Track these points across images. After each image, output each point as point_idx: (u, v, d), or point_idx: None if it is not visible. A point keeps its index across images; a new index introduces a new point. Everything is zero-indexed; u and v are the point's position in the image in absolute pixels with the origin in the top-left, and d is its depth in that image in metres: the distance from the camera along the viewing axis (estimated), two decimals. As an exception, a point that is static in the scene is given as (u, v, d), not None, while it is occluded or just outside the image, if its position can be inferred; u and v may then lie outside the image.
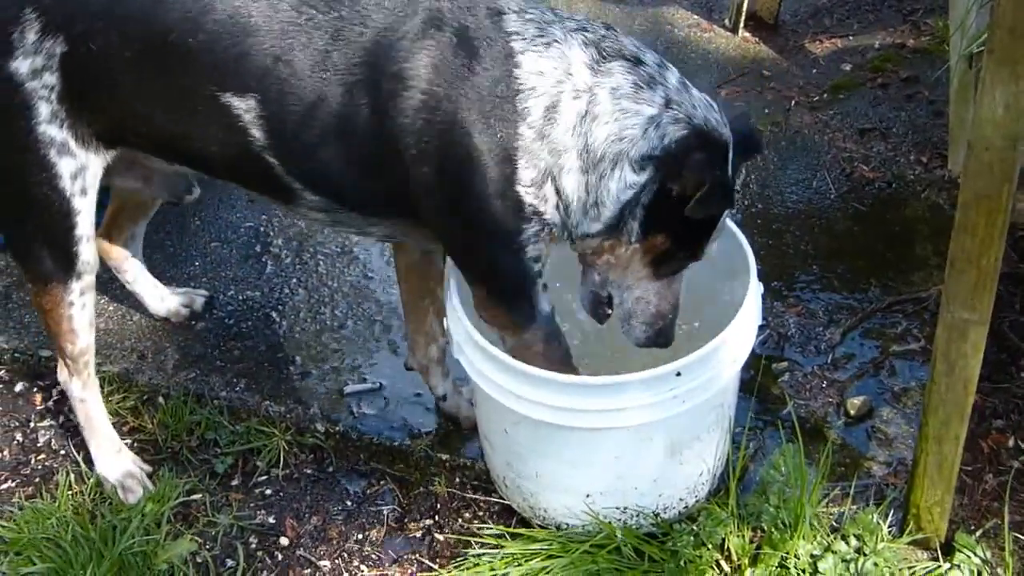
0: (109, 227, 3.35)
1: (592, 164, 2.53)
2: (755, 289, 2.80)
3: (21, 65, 2.63)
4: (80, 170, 2.75)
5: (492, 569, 2.85)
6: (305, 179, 2.68)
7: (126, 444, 3.20)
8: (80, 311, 2.93)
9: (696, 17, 4.76)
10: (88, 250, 2.86)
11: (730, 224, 2.87)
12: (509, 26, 2.53)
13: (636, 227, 2.57)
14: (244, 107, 2.58)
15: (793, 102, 4.30)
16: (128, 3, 2.60)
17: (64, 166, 2.72)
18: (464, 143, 2.50)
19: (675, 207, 2.49)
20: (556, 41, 2.52)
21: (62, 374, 3.09)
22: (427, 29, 2.50)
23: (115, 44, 2.60)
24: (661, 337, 2.76)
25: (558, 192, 2.56)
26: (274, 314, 3.59)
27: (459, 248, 2.70)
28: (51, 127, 2.69)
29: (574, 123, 2.51)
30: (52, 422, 3.36)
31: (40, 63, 2.63)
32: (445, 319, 2.86)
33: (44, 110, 2.67)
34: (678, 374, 2.62)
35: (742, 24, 4.64)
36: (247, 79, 2.56)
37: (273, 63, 2.53)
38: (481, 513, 3.04)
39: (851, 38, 4.61)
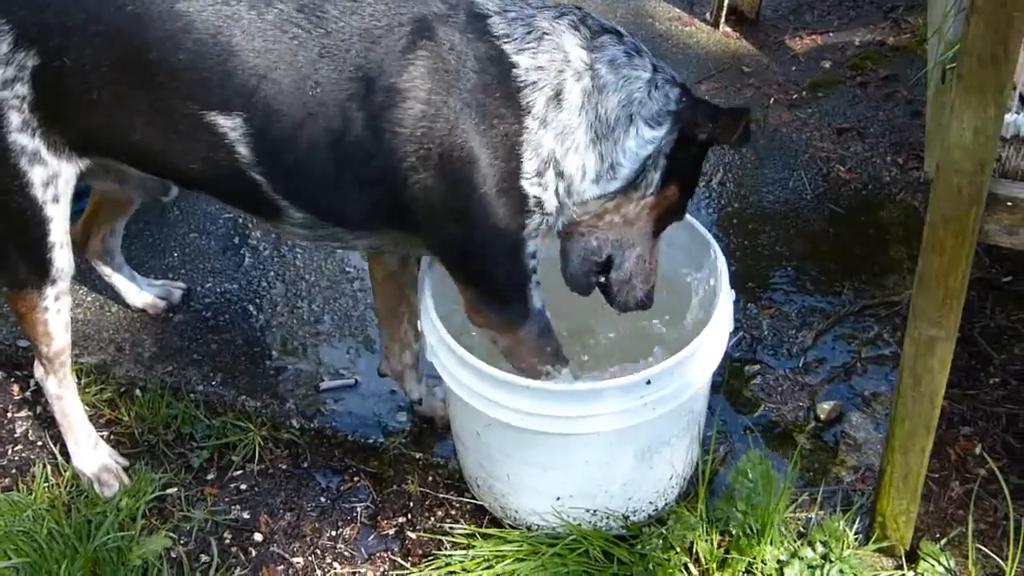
0: (89, 222, 3.35)
1: (607, 131, 2.60)
2: (726, 297, 2.82)
3: None
4: (52, 178, 2.74)
5: (464, 569, 2.87)
6: (292, 196, 2.68)
7: (102, 437, 3.22)
8: (55, 315, 2.94)
9: (677, 10, 4.78)
10: (62, 257, 2.86)
11: (699, 227, 2.99)
12: (496, 29, 2.55)
13: (657, 178, 2.66)
14: (230, 125, 2.57)
15: (772, 100, 4.32)
16: (105, 20, 2.56)
17: (36, 174, 2.72)
18: (467, 146, 2.51)
19: (692, 155, 2.67)
20: (546, 33, 2.56)
21: (38, 371, 3.11)
22: (416, 40, 2.51)
23: (91, 59, 2.58)
24: (648, 298, 2.86)
25: (560, 175, 2.59)
26: (251, 307, 3.60)
27: (456, 251, 2.70)
28: (22, 136, 2.67)
29: (581, 101, 2.57)
30: (29, 412, 3.38)
31: (11, 74, 2.61)
32: (419, 322, 2.88)
33: (15, 119, 2.65)
34: (648, 382, 2.64)
35: (723, 19, 4.65)
36: (232, 97, 2.55)
37: (259, 81, 2.52)
38: (453, 512, 3.06)
39: (831, 35, 4.62)
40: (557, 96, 2.54)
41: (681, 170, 2.68)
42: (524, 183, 2.56)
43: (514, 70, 2.52)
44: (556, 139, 2.56)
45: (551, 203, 2.61)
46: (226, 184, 2.71)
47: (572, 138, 2.57)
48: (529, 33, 2.54)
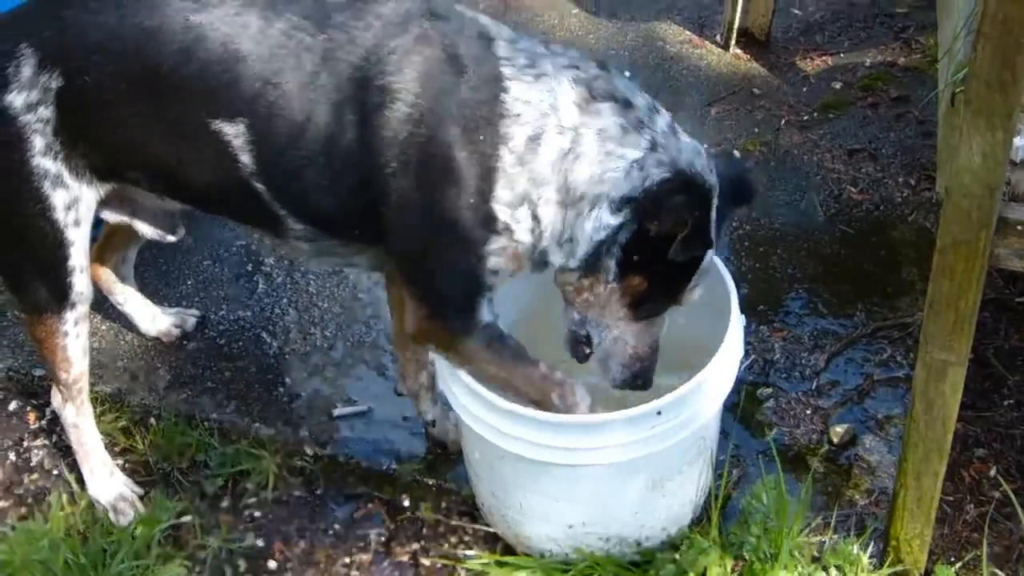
0: (102, 250, 3.36)
1: (572, 201, 2.54)
2: (737, 323, 2.81)
3: (15, 99, 2.63)
4: (74, 202, 2.76)
5: (477, 596, 2.88)
6: (290, 204, 2.68)
7: (118, 465, 3.22)
8: (74, 340, 2.94)
9: (688, 33, 4.76)
10: (82, 281, 2.86)
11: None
12: (499, 51, 2.54)
13: (613, 266, 2.57)
14: (234, 132, 2.59)
15: (783, 121, 4.30)
16: (123, 37, 2.60)
17: (58, 198, 2.73)
18: (445, 156, 2.50)
19: (653, 249, 2.49)
20: (545, 75, 2.53)
21: (56, 400, 3.11)
22: (416, 46, 2.52)
23: (110, 77, 2.61)
24: (639, 380, 2.75)
25: (535, 218, 2.56)
26: (265, 334, 3.60)
27: (416, 259, 2.65)
28: (45, 159, 2.69)
29: (555, 158, 2.51)
30: (45, 441, 3.37)
31: (35, 97, 2.63)
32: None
33: (38, 143, 2.67)
34: (659, 413, 2.63)
35: (733, 40, 4.64)
36: (237, 104, 2.56)
37: (262, 86, 2.54)
38: (467, 539, 3.05)
39: (842, 55, 4.61)
40: (535, 140, 2.50)
41: (644, 262, 2.55)
42: (495, 206, 2.54)
43: (504, 94, 2.50)
44: (530, 183, 2.53)
45: (523, 236, 2.58)
46: (232, 197, 2.71)
47: (545, 190, 2.53)
48: (529, 67, 2.52)
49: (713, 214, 2.55)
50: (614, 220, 2.51)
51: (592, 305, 2.67)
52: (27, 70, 2.62)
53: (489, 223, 2.55)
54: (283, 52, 2.53)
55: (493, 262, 2.60)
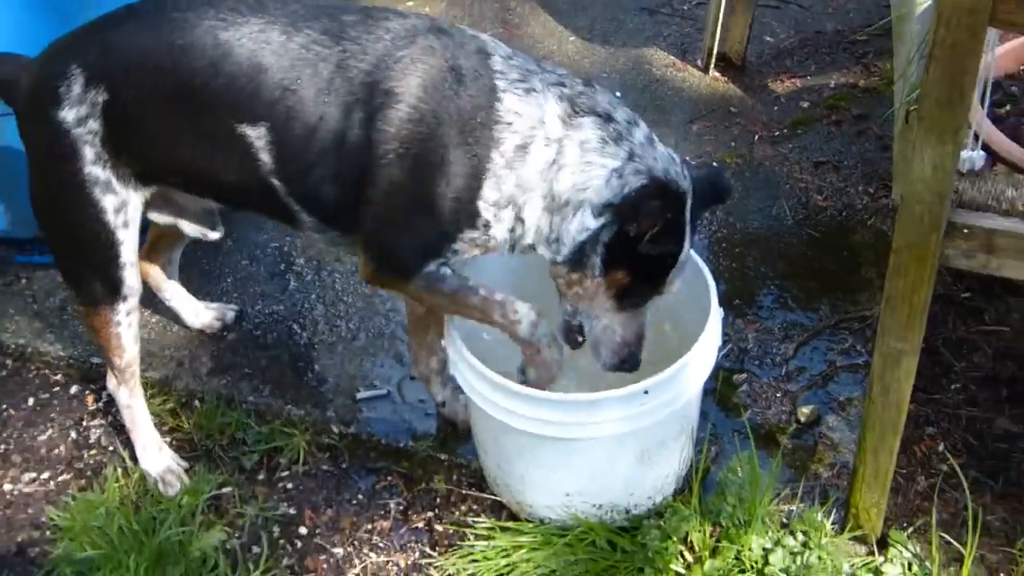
0: (149, 252, 3.36)
1: (556, 207, 2.55)
2: (716, 315, 2.81)
3: (68, 114, 2.66)
4: (122, 205, 2.77)
5: (485, 558, 2.87)
6: (301, 199, 2.68)
7: (165, 442, 3.22)
8: (126, 329, 2.95)
9: (672, 57, 4.75)
10: (132, 276, 2.87)
11: (693, 255, 2.89)
12: (495, 66, 2.55)
13: (598, 263, 2.57)
14: (256, 135, 2.60)
15: (756, 136, 4.30)
16: (159, 55, 2.61)
17: (108, 202, 2.74)
18: (440, 153, 2.51)
19: (633, 247, 2.50)
20: (534, 90, 2.54)
21: (111, 383, 3.12)
22: (421, 55, 2.53)
23: (148, 91, 2.63)
24: (627, 363, 2.73)
25: (519, 219, 2.58)
26: (296, 326, 3.59)
27: (383, 222, 2.62)
28: (95, 168, 2.70)
29: (542, 168, 2.52)
30: (102, 421, 3.37)
31: (85, 111, 2.65)
32: (443, 339, 2.88)
33: (89, 153, 2.69)
34: (646, 392, 2.63)
35: (712, 64, 4.62)
36: (259, 109, 2.57)
37: (282, 93, 2.55)
38: (476, 507, 3.05)
39: (809, 78, 4.60)
40: (524, 148, 2.51)
41: (626, 259, 2.54)
42: (480, 204, 2.55)
43: (498, 104, 2.51)
44: (518, 188, 2.53)
45: (499, 234, 2.59)
46: (254, 194, 2.71)
47: (531, 195, 2.54)
48: (521, 82, 2.53)
49: (687, 215, 2.57)
50: (595, 223, 2.52)
51: (582, 297, 2.67)
52: (77, 88, 2.64)
53: (470, 218, 2.57)
54: (301, 62, 2.55)
55: (458, 246, 2.62)
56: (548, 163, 2.52)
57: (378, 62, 2.53)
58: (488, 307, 2.69)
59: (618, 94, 4.49)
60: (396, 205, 2.58)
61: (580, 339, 2.77)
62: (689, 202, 2.57)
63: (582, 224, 2.53)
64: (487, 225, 2.58)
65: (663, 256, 2.55)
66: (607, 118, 2.53)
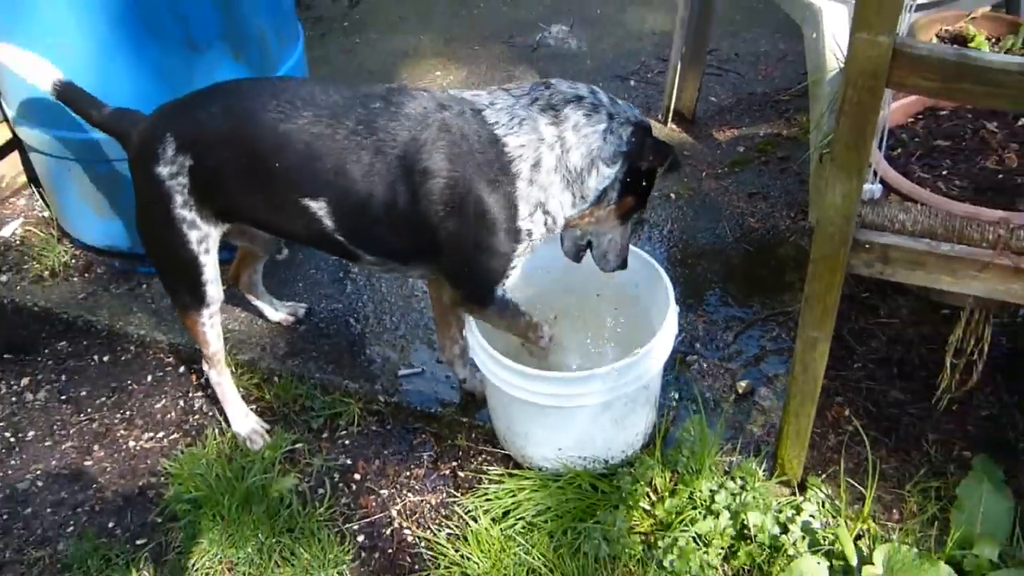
0: (239, 265, 3.35)
1: (576, 177, 2.51)
2: (673, 310, 2.78)
3: (163, 169, 2.61)
4: (204, 237, 2.73)
5: (497, 497, 2.84)
6: (364, 247, 2.66)
7: (251, 409, 3.20)
8: (210, 328, 2.93)
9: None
10: (213, 289, 2.84)
11: (653, 261, 2.91)
12: (489, 119, 2.49)
13: (615, 196, 2.57)
14: (317, 206, 2.55)
15: (704, 173, 4.25)
16: (234, 136, 2.56)
17: (193, 236, 2.70)
18: (480, 202, 2.47)
19: (641, 177, 2.54)
20: (524, 119, 2.48)
21: (205, 365, 3.10)
22: (439, 134, 2.47)
23: (224, 162, 2.58)
24: (624, 263, 2.78)
25: (546, 213, 2.54)
26: (352, 320, 3.56)
27: (462, 267, 2.61)
28: (183, 210, 2.66)
29: (555, 164, 2.48)
30: (203, 394, 3.35)
31: (175, 169, 2.61)
32: (464, 330, 2.85)
33: (179, 199, 2.64)
34: (619, 372, 2.60)
35: (670, 118, 4.59)
36: (318, 187, 2.52)
37: (334, 176, 2.50)
38: (489, 459, 3.02)
39: (744, 128, 4.56)
40: (536, 164, 2.47)
41: (634, 187, 2.57)
42: (520, 223, 2.51)
43: (505, 148, 2.46)
44: (540, 191, 2.50)
45: (539, 232, 2.56)
46: (320, 242, 2.68)
47: (552, 189, 2.50)
48: (512, 119, 2.48)
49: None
50: (611, 170, 2.50)
51: (594, 223, 2.66)
52: (170, 151, 2.59)
53: (517, 235, 2.53)
54: (346, 151, 2.49)
55: (516, 261, 2.59)
56: (559, 157, 2.48)
57: (407, 146, 2.47)
58: (529, 328, 2.76)
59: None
60: (463, 251, 2.55)
61: (583, 252, 2.78)
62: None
63: (601, 175, 2.50)
64: (529, 233, 2.55)
65: (650, 175, 2.57)
66: (577, 99, 2.48)
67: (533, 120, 2.48)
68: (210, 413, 3.28)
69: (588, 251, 2.79)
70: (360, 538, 2.85)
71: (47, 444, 3.23)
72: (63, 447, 3.21)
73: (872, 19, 1.95)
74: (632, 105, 2.60)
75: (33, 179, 4.12)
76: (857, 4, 1.95)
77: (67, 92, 2.83)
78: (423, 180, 2.47)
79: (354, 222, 2.57)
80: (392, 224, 2.55)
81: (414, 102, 2.52)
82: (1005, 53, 3.04)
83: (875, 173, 2.45)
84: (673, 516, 2.70)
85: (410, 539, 2.83)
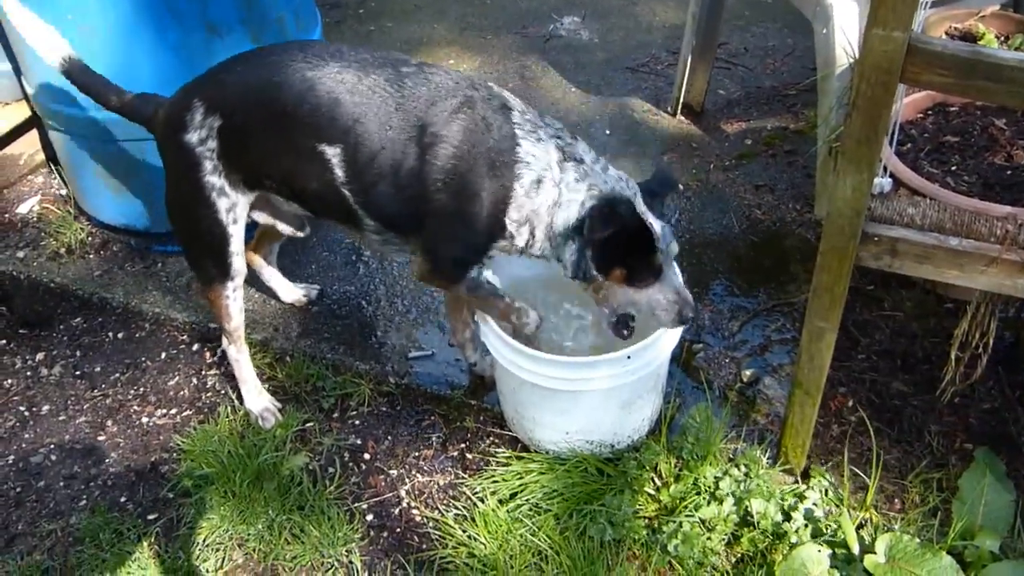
0: (256, 245, 3.34)
1: (554, 235, 2.53)
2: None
3: (192, 136, 2.62)
4: (232, 206, 2.73)
5: (504, 479, 2.85)
6: (366, 207, 2.63)
7: (264, 387, 3.20)
8: (234, 302, 2.92)
9: (649, 105, 4.69)
10: (239, 261, 2.84)
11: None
12: (515, 118, 2.51)
13: (594, 272, 2.53)
14: (332, 153, 2.55)
15: (712, 165, 4.24)
16: (260, 88, 2.57)
17: (222, 203, 2.71)
18: (476, 183, 2.47)
19: (611, 246, 2.44)
20: (542, 140, 2.50)
21: (224, 342, 3.09)
22: (461, 107, 2.48)
23: (251, 116, 2.59)
24: (687, 308, 2.53)
25: (532, 235, 2.54)
26: (363, 302, 3.56)
27: (440, 238, 2.57)
28: (213, 177, 2.67)
29: (549, 204, 2.50)
30: (216, 372, 3.36)
31: (205, 133, 2.62)
32: (475, 314, 2.84)
33: (208, 165, 2.65)
34: (628, 357, 2.60)
35: (679, 111, 4.57)
36: (335, 134, 2.52)
37: (353, 123, 2.50)
38: (497, 441, 3.02)
39: (752, 122, 4.54)
40: (537, 183, 2.47)
41: (612, 257, 2.48)
42: (506, 220, 2.51)
43: (518, 148, 2.47)
44: (532, 214, 2.50)
45: (519, 243, 2.56)
46: (328, 199, 2.65)
47: (540, 223, 2.51)
48: (535, 131, 2.50)
49: (639, 208, 2.48)
50: (576, 245, 2.49)
51: (608, 297, 2.60)
52: (198, 116, 2.60)
53: (501, 230, 2.53)
54: (369, 101, 2.50)
55: (492, 251, 2.60)
56: (554, 201, 2.48)
57: (428, 109, 2.48)
58: (507, 310, 2.72)
59: (607, 131, 4.45)
60: (446, 223, 2.54)
61: (626, 332, 2.65)
62: (639, 199, 2.51)
63: (571, 249, 2.51)
64: (512, 236, 2.55)
65: (642, 239, 2.45)
66: (580, 161, 2.50)
67: (548, 147, 2.50)
68: (223, 391, 3.28)
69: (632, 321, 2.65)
70: (369, 517, 2.85)
71: (61, 419, 3.24)
72: (77, 422, 3.22)
73: (888, 16, 1.94)
74: (626, 178, 2.54)
75: (51, 157, 4.12)
76: (873, 1, 1.94)
77: (80, 74, 2.81)
78: (432, 143, 2.47)
79: (362, 175, 2.56)
80: (396, 185, 2.54)
81: (446, 76, 2.54)
82: (1015, 51, 3.02)
83: (885, 168, 2.44)
84: (678, 501, 2.70)
85: (418, 519, 2.83)
